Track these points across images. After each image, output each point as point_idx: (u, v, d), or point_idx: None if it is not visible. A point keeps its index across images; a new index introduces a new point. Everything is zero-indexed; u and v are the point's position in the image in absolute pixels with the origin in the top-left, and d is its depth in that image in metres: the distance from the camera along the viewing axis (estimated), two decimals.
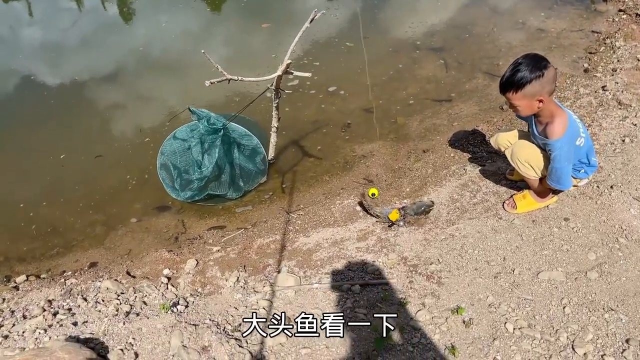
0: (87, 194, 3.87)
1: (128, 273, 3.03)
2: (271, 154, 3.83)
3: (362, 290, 2.63)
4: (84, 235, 3.55)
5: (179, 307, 2.61)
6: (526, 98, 2.54)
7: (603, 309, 2.38)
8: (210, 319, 2.49)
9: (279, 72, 2.98)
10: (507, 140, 3.02)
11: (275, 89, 3.19)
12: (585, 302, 2.42)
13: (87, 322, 2.54)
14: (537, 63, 2.48)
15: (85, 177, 4.03)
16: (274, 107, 3.39)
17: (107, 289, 2.81)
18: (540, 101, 2.54)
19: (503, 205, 3.10)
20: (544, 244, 2.78)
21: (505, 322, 2.36)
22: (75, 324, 2.52)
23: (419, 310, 2.47)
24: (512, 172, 3.28)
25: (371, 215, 3.20)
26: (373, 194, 3.43)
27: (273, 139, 3.71)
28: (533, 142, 2.83)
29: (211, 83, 2.87)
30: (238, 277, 2.85)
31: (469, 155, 3.71)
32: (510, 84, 2.55)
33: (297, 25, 3.13)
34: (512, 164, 2.91)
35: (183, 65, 5.46)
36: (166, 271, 3.00)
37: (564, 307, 2.41)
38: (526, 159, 2.79)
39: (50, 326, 2.52)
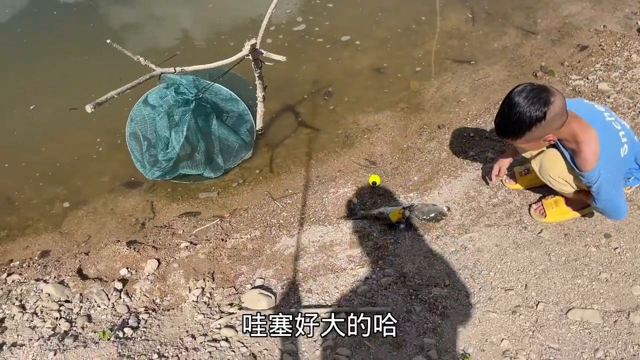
0: (52, 158, 3.38)
1: (80, 271, 2.58)
2: (259, 124, 3.26)
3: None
4: (40, 213, 3.10)
5: (126, 329, 2.17)
6: (530, 141, 1.95)
7: None
8: (158, 353, 2.05)
9: (243, 53, 2.37)
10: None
11: (254, 60, 2.58)
12: (626, 357, 1.93)
13: (15, 344, 2.12)
14: (536, 101, 1.82)
15: (53, 135, 3.53)
16: (257, 77, 2.79)
17: (49, 295, 2.38)
18: (551, 140, 1.95)
19: (529, 210, 2.55)
20: (578, 269, 2.25)
21: None
22: (1, 346, 2.10)
23: (415, 355, 2.00)
24: (520, 175, 2.67)
25: (367, 219, 2.68)
26: (374, 182, 2.88)
27: (260, 109, 3.13)
28: None
29: (93, 107, 2.17)
30: (203, 289, 2.39)
31: (492, 137, 3.11)
32: (505, 131, 1.94)
33: None
34: (542, 180, 2.30)
35: (174, 2, 4.78)
36: (123, 271, 2.55)
37: None
38: (560, 174, 2.17)
39: None
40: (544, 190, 2.60)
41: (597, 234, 2.38)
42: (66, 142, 3.46)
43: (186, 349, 2.07)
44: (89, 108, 2.15)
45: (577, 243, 2.35)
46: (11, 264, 2.74)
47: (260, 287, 2.35)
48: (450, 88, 3.62)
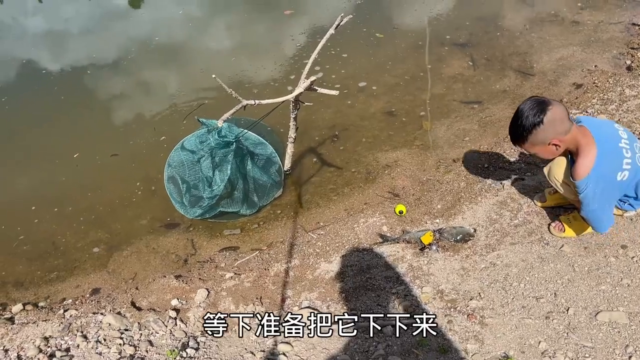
0: (96, 203, 3.59)
1: (133, 304, 2.75)
2: (287, 164, 3.52)
3: (395, 331, 2.33)
4: (86, 255, 3.27)
5: (188, 350, 2.32)
6: (537, 145, 2.29)
7: None
8: None
9: (300, 90, 2.66)
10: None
11: (295, 101, 2.87)
12: None
13: None
14: (536, 108, 2.20)
15: (96, 181, 3.77)
16: (292, 118, 3.07)
17: (109, 325, 2.53)
18: (556, 144, 2.26)
19: (549, 227, 2.77)
20: (600, 276, 2.45)
21: None
22: None
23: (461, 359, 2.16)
24: (549, 194, 2.93)
25: (399, 242, 2.89)
26: (401, 212, 3.11)
27: (290, 149, 3.39)
28: None
29: (224, 121, 2.74)
30: (254, 312, 2.55)
31: (506, 167, 3.37)
32: (513, 136, 2.34)
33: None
34: (550, 184, 2.58)
35: (202, 56, 5.18)
36: (175, 302, 2.72)
37: (629, 357, 2.09)
38: (564, 177, 2.45)
39: None
40: (561, 210, 2.84)
41: (614, 245, 2.60)
42: (108, 187, 3.69)
43: None
44: (220, 122, 2.83)
45: (597, 254, 2.57)
46: (64, 302, 2.90)
47: (308, 307, 2.53)
48: (459, 126, 3.92)
